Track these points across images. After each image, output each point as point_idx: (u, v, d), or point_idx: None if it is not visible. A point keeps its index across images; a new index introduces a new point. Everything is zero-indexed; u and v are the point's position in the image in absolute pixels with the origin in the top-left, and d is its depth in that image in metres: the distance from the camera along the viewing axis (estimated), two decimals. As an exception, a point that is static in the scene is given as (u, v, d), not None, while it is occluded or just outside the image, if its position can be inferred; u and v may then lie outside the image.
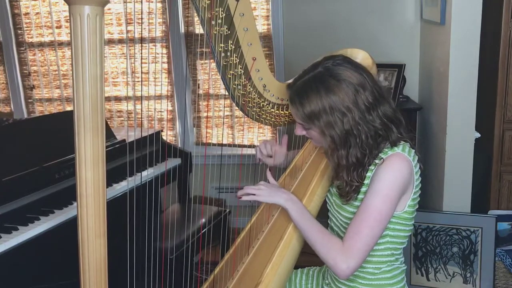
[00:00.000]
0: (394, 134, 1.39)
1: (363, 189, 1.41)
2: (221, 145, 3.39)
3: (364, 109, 1.35)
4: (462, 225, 2.49)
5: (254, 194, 1.47)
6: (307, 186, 1.59)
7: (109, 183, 2.25)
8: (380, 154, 1.39)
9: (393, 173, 1.35)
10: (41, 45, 3.75)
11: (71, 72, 1.03)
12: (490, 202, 2.79)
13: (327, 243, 1.38)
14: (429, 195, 2.76)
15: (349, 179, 1.40)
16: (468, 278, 2.49)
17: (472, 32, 2.41)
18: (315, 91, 1.35)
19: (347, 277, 1.36)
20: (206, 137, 3.61)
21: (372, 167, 1.40)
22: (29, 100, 3.89)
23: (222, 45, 1.43)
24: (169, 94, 3.64)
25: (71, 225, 1.69)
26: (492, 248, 2.45)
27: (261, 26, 3.35)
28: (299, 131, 1.47)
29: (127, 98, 3.70)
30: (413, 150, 1.42)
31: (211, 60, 1.50)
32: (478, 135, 2.57)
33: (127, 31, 3.53)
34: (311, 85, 1.37)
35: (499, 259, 2.69)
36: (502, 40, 2.63)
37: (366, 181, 1.40)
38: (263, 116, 1.63)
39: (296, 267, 1.61)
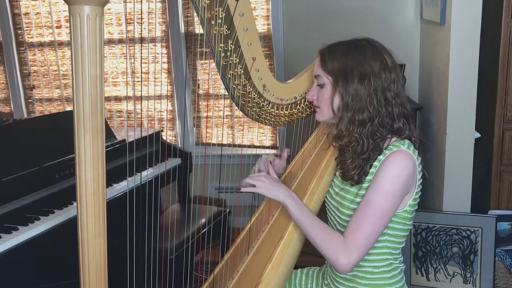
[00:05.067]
0: (400, 121, 1.40)
1: (365, 185, 1.41)
2: (221, 145, 3.39)
3: (384, 78, 1.38)
4: (462, 225, 2.49)
5: (254, 186, 1.47)
6: (307, 185, 1.58)
7: (109, 183, 2.25)
8: (384, 151, 1.39)
9: (397, 169, 1.35)
10: (41, 45, 3.75)
11: (71, 72, 1.03)
12: (490, 202, 2.79)
13: (328, 238, 1.38)
14: (429, 195, 2.76)
15: (350, 128, 1.39)
16: (468, 278, 2.49)
17: (472, 32, 2.41)
18: (346, 47, 1.44)
19: (348, 272, 1.37)
20: (206, 137, 3.61)
21: (376, 163, 1.39)
22: (29, 100, 3.90)
23: (222, 45, 1.43)
24: (169, 94, 3.65)
25: (71, 225, 1.69)
26: (492, 248, 2.45)
27: (261, 26, 3.36)
28: (310, 95, 1.50)
29: (127, 98, 3.70)
30: (417, 151, 1.42)
31: (211, 60, 1.50)
32: (478, 135, 2.57)
33: (127, 31, 3.53)
34: (344, 43, 1.46)
35: (499, 259, 2.68)
36: (502, 40, 2.63)
37: (369, 177, 1.40)
38: (263, 116, 1.62)
39: (296, 267, 1.61)
